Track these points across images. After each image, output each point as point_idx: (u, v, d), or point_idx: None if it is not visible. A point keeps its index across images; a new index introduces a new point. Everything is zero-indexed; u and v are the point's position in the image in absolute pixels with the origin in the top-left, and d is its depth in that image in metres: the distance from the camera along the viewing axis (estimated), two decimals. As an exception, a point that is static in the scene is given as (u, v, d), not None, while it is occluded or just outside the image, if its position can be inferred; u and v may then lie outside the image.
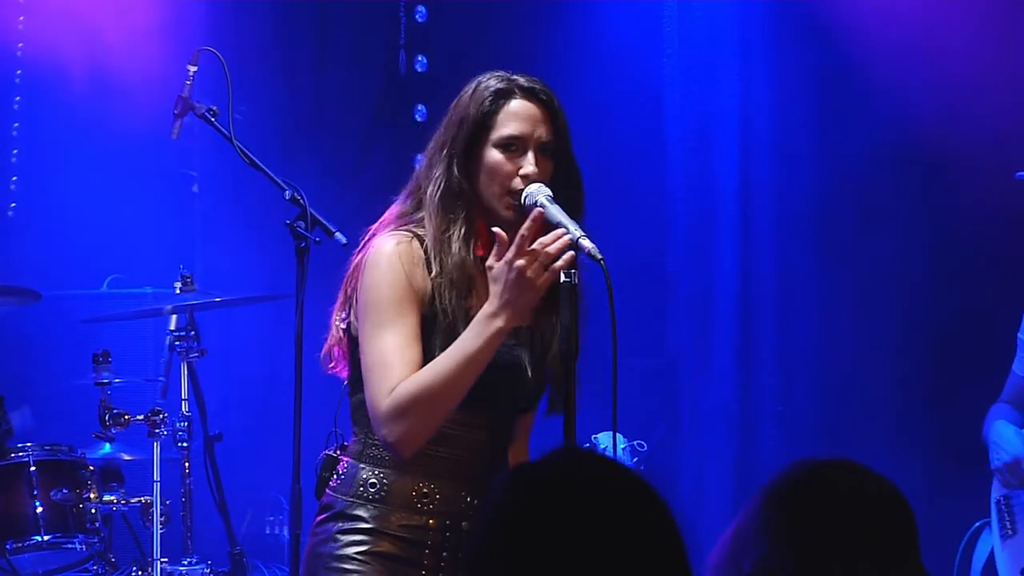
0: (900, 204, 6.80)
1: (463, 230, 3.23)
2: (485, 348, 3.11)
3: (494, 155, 3.24)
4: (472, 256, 3.24)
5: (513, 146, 3.23)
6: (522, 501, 1.86)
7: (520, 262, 3.07)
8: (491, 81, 3.28)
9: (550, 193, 3.19)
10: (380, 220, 3.36)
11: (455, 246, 3.22)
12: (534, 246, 3.08)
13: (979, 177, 6.52)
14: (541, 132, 3.24)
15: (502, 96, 3.25)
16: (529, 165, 3.21)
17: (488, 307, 3.12)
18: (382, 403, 3.15)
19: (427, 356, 3.19)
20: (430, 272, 3.22)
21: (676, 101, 7.09)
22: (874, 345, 6.85)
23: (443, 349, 3.17)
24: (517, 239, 3.08)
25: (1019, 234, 6.52)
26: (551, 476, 1.88)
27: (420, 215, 3.28)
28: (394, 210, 3.35)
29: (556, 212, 3.16)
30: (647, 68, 7.13)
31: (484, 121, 3.24)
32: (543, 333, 3.31)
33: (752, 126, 6.99)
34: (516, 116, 3.24)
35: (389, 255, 3.22)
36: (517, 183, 3.21)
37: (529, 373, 3.29)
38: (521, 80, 3.28)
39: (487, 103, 3.25)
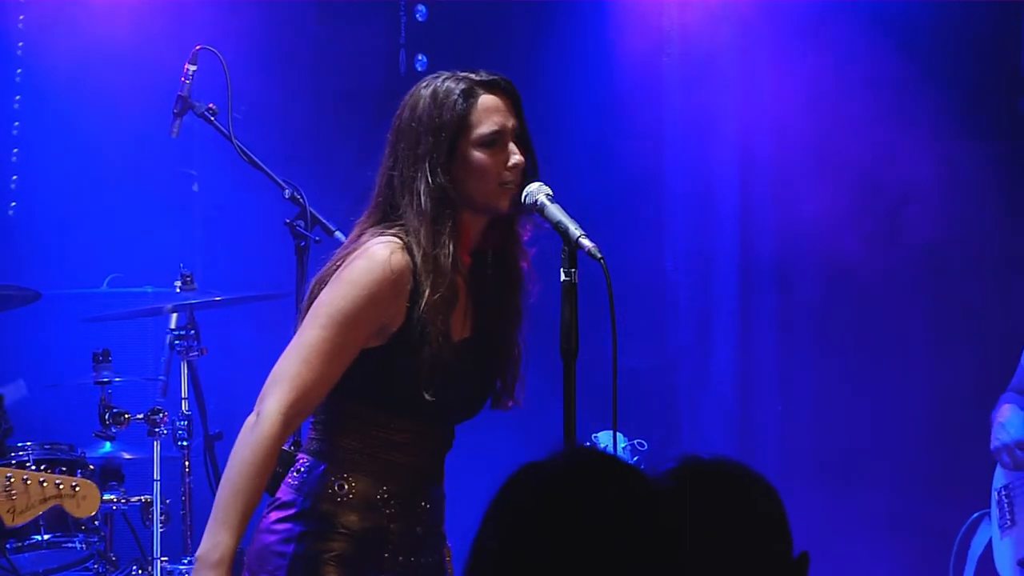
0: (901, 202, 6.80)
1: (451, 245, 3.21)
2: None
3: (478, 155, 3.25)
4: (460, 265, 3.25)
5: (494, 142, 3.25)
6: (531, 499, 1.85)
7: None
8: (448, 84, 3.26)
9: (550, 192, 3.23)
10: (347, 240, 3.34)
11: (444, 263, 3.20)
12: None
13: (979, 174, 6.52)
14: (513, 121, 3.28)
15: (468, 96, 3.25)
16: (515, 155, 3.25)
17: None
18: (264, 407, 3.26)
19: (411, 370, 3.20)
20: (413, 279, 3.20)
21: (676, 102, 7.08)
22: (874, 342, 6.85)
23: (430, 366, 3.18)
24: None
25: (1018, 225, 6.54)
26: (561, 476, 1.88)
27: (400, 222, 3.25)
28: (363, 229, 3.30)
29: (556, 211, 3.21)
30: (647, 68, 7.13)
31: (460, 124, 3.24)
32: (499, 332, 3.34)
33: (752, 126, 6.98)
34: (488, 112, 3.25)
35: (383, 266, 3.20)
36: (506, 176, 3.25)
37: (483, 379, 3.34)
38: (479, 76, 3.28)
39: (458, 106, 3.24)
